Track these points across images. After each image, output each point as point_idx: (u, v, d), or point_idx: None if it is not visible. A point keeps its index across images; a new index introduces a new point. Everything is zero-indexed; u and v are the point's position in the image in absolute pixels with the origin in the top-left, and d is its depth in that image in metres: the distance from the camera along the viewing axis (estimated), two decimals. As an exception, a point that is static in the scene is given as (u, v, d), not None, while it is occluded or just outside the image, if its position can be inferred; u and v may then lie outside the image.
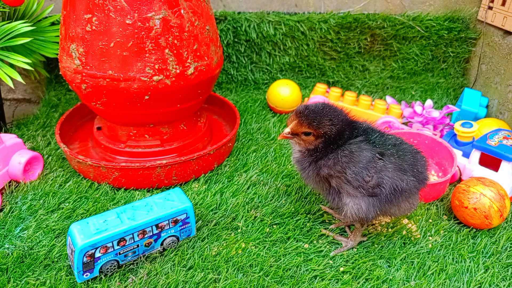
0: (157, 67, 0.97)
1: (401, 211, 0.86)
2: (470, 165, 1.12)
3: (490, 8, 1.45)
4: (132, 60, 0.96)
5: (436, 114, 1.29)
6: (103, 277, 0.83)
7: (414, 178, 0.82)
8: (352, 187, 0.81)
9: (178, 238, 0.91)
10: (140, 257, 0.87)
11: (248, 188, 1.09)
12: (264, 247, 0.92)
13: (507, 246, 0.94)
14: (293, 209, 1.02)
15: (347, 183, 0.81)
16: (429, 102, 1.34)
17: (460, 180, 1.15)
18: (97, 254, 0.80)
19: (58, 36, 1.30)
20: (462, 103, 1.40)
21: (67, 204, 1.01)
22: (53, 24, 1.34)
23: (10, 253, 0.87)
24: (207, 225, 0.97)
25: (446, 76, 1.63)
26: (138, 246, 0.85)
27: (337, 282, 0.84)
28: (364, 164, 0.80)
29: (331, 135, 0.81)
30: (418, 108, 1.32)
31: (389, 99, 1.43)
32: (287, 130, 0.84)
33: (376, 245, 0.93)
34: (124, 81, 0.97)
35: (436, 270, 0.87)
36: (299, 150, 0.88)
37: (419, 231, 0.97)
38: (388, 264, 0.89)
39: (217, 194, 1.06)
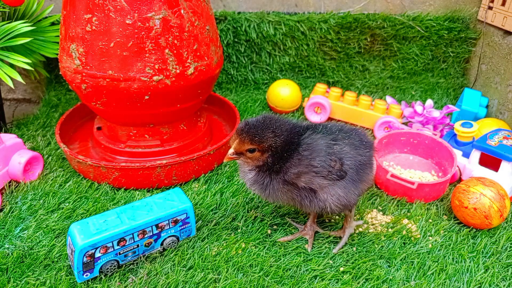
0: (157, 67, 0.97)
1: (369, 183, 0.89)
2: (470, 165, 1.12)
3: (490, 8, 1.45)
4: (132, 60, 0.96)
5: (436, 114, 1.29)
6: (103, 277, 0.83)
7: (367, 149, 0.86)
8: (323, 177, 0.81)
9: (178, 238, 0.91)
10: (140, 257, 0.87)
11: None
12: (264, 247, 0.92)
13: (507, 246, 0.94)
14: (293, 209, 1.02)
15: (317, 175, 0.80)
16: (429, 102, 1.34)
17: (460, 180, 1.15)
18: (97, 254, 0.80)
19: (58, 36, 1.30)
20: (462, 103, 1.40)
21: (67, 204, 1.01)
22: (53, 24, 1.34)
23: (10, 253, 0.87)
24: (207, 225, 0.97)
25: (446, 76, 1.63)
26: (138, 246, 0.85)
27: (337, 282, 0.84)
28: (324, 151, 0.81)
29: (277, 147, 0.79)
30: (418, 108, 1.32)
31: (389, 99, 1.43)
32: (231, 150, 0.81)
33: (376, 245, 0.93)
34: (124, 81, 0.97)
35: (436, 270, 0.87)
36: (249, 170, 0.85)
37: (419, 231, 0.97)
38: (388, 264, 0.89)
39: (217, 194, 1.06)
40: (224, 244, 0.92)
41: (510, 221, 1.01)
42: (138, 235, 0.84)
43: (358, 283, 0.84)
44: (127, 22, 0.94)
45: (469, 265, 0.89)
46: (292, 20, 1.52)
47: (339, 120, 1.43)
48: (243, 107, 1.49)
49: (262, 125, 0.79)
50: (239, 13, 1.54)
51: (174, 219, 0.88)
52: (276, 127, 0.79)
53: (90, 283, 0.82)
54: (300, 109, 1.48)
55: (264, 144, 0.79)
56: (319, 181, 0.81)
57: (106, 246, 0.81)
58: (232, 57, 1.59)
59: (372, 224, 0.99)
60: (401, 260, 0.90)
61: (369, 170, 0.88)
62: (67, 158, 1.14)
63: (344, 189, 0.83)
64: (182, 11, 0.98)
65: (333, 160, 0.81)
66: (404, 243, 0.94)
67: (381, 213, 1.03)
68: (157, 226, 0.86)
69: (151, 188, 1.08)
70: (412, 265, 0.89)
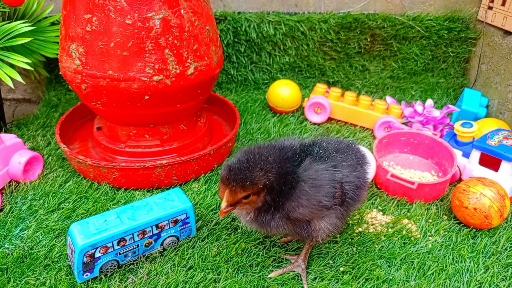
0: (157, 67, 0.97)
1: (362, 200, 0.85)
2: (470, 165, 1.12)
3: (490, 8, 1.45)
4: (132, 60, 0.96)
5: (437, 113, 1.29)
6: (103, 277, 0.83)
7: (363, 167, 0.83)
8: (327, 209, 0.76)
9: (178, 238, 0.91)
10: (140, 257, 0.87)
11: (248, 188, 1.09)
12: (264, 247, 0.92)
13: (507, 246, 0.94)
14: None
15: (322, 209, 0.75)
16: (429, 102, 1.34)
17: (460, 180, 1.15)
18: (97, 254, 0.80)
19: (58, 36, 1.30)
20: (462, 103, 1.40)
21: (67, 204, 1.01)
22: (53, 24, 1.34)
23: (10, 253, 0.87)
24: (207, 225, 0.97)
25: (446, 76, 1.63)
26: (138, 246, 0.85)
27: (337, 282, 0.84)
28: (329, 183, 0.75)
29: (272, 183, 0.71)
30: (419, 107, 1.32)
31: (389, 99, 1.43)
32: (224, 204, 0.72)
33: (376, 245, 0.93)
34: (124, 81, 0.97)
35: (436, 270, 0.87)
36: (247, 212, 0.77)
37: (419, 231, 0.97)
38: (388, 264, 0.89)
39: (217, 194, 1.06)
40: (224, 244, 0.92)
41: (510, 221, 1.01)
42: (138, 235, 0.84)
43: (358, 283, 0.84)
44: (127, 22, 0.94)
45: (469, 265, 0.89)
46: (292, 20, 1.53)
47: (339, 120, 1.43)
48: (243, 107, 1.49)
49: (247, 165, 0.70)
50: (239, 13, 1.54)
51: (174, 219, 0.88)
52: (263, 162, 0.70)
53: (90, 283, 0.82)
54: (300, 109, 1.49)
55: (257, 186, 0.70)
56: (323, 213, 0.77)
57: (106, 246, 0.81)
58: (232, 57, 1.59)
59: (372, 224, 0.99)
60: (401, 260, 0.90)
61: (364, 189, 0.84)
62: (67, 158, 1.14)
63: (340, 216, 0.79)
64: (182, 11, 0.98)
65: (336, 188, 0.76)
66: (404, 243, 0.94)
67: (381, 213, 1.03)
68: (157, 226, 0.86)
69: (151, 188, 1.08)
70: (412, 265, 0.89)
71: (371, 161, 1.08)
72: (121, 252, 0.83)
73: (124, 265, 0.86)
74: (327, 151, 0.80)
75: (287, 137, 0.84)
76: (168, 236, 0.89)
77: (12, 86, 1.11)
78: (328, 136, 0.86)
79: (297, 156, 0.77)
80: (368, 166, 0.86)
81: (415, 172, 1.17)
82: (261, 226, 0.77)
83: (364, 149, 1.10)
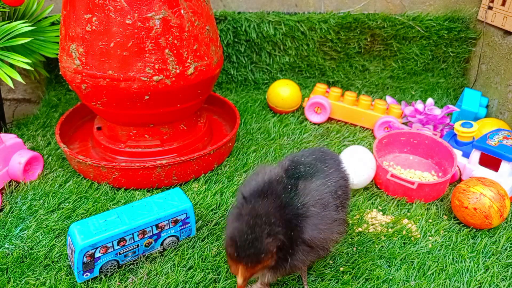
0: (157, 67, 0.97)
1: (348, 209, 0.83)
2: (470, 165, 1.12)
3: (490, 8, 1.45)
4: (132, 60, 0.96)
5: (438, 111, 1.29)
6: (103, 277, 0.83)
7: (341, 166, 0.81)
8: (338, 221, 0.73)
9: (178, 238, 0.91)
10: (140, 257, 0.87)
11: (248, 188, 1.09)
12: (264, 247, 0.92)
13: (507, 246, 0.94)
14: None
15: (335, 223, 0.73)
16: (430, 101, 1.34)
17: (460, 180, 1.15)
18: (97, 254, 0.80)
19: (58, 36, 1.30)
20: (462, 103, 1.40)
21: (67, 204, 1.01)
22: (53, 24, 1.34)
23: (10, 253, 0.87)
24: (207, 225, 0.97)
25: (446, 76, 1.63)
26: (138, 246, 0.85)
27: (337, 282, 0.84)
28: (332, 196, 0.72)
29: (282, 240, 0.66)
30: (419, 105, 1.32)
31: (389, 99, 1.43)
32: (240, 280, 0.66)
33: (376, 245, 0.93)
34: (124, 81, 0.97)
35: (436, 270, 0.87)
36: (262, 274, 0.72)
37: (419, 231, 0.97)
38: (388, 264, 0.89)
39: (217, 194, 1.06)
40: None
41: (510, 221, 1.01)
42: (138, 235, 0.84)
43: (358, 283, 0.84)
44: (127, 22, 0.94)
45: (469, 265, 0.89)
46: (292, 20, 1.53)
47: (339, 120, 1.43)
48: (243, 107, 1.49)
49: (253, 235, 0.63)
50: (239, 13, 1.54)
51: (174, 219, 0.88)
52: (267, 225, 0.64)
53: (90, 283, 0.82)
54: (300, 109, 1.49)
55: (272, 252, 0.65)
56: (336, 227, 0.73)
57: (106, 246, 0.81)
58: (232, 57, 1.59)
59: (372, 224, 0.99)
60: (401, 260, 0.90)
61: (349, 188, 0.81)
62: (67, 158, 1.14)
63: (343, 221, 0.77)
64: (182, 11, 0.98)
65: (337, 198, 0.74)
66: (404, 243, 0.94)
67: (381, 213, 1.03)
68: (157, 226, 0.86)
69: (151, 188, 1.08)
70: (412, 265, 0.89)
71: (372, 161, 1.08)
72: (121, 252, 0.83)
73: (124, 265, 0.86)
74: (312, 166, 0.77)
75: (264, 166, 0.78)
76: (168, 236, 0.89)
77: (12, 86, 1.11)
78: (299, 151, 0.83)
79: (289, 186, 0.71)
80: (343, 163, 0.84)
81: (415, 172, 1.17)
82: (286, 274, 0.74)
83: (364, 149, 1.10)
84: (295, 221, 0.68)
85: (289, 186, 0.72)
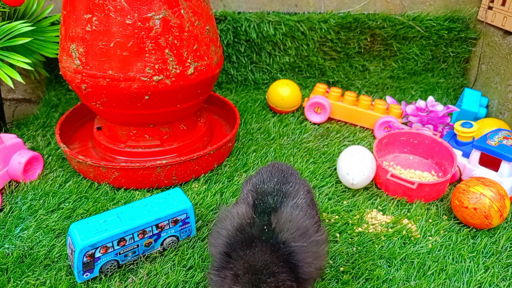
0: (157, 67, 0.97)
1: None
2: (470, 165, 1.12)
3: (490, 8, 1.45)
4: (132, 60, 0.96)
5: (440, 107, 1.28)
6: (103, 277, 0.83)
7: (300, 177, 0.80)
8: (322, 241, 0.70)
9: (178, 238, 0.91)
10: (140, 257, 0.87)
11: (248, 188, 1.09)
12: (264, 247, 0.92)
13: (507, 246, 0.94)
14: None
15: (321, 244, 0.69)
16: (431, 98, 1.34)
17: (460, 180, 1.15)
18: (97, 254, 0.80)
19: (58, 36, 1.30)
20: (462, 103, 1.40)
21: (67, 204, 1.01)
22: (53, 24, 1.34)
23: (10, 253, 0.87)
24: (207, 225, 0.97)
25: (446, 76, 1.63)
26: (138, 246, 0.85)
27: (337, 282, 0.84)
28: (307, 218, 0.69)
29: (291, 284, 0.62)
30: (421, 102, 1.31)
31: (389, 99, 1.43)
32: None
33: (376, 245, 0.93)
34: (124, 81, 0.97)
35: (436, 270, 0.87)
36: None
37: (419, 231, 0.97)
38: (388, 264, 0.89)
39: (217, 194, 1.06)
40: (224, 244, 0.92)
41: (510, 221, 1.01)
42: (138, 235, 0.84)
43: (358, 283, 0.84)
44: (127, 22, 0.94)
45: (469, 265, 0.89)
46: (292, 20, 1.53)
47: (339, 120, 1.43)
48: (243, 107, 1.49)
49: (258, 282, 0.59)
50: (239, 13, 1.54)
51: (174, 219, 0.88)
52: (269, 275, 0.60)
53: (90, 283, 0.82)
54: (300, 109, 1.49)
55: None
56: (322, 246, 0.70)
57: (106, 246, 0.81)
58: (232, 57, 1.59)
59: (372, 224, 0.99)
60: (401, 260, 0.90)
61: (312, 192, 0.80)
62: (67, 158, 1.14)
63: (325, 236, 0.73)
64: (182, 11, 0.98)
65: (313, 217, 0.71)
66: (404, 243, 0.94)
67: (381, 213, 1.03)
68: (157, 226, 0.86)
69: (151, 188, 1.08)
70: (412, 265, 0.89)
71: (372, 161, 1.08)
72: (121, 252, 0.83)
73: (124, 265, 0.86)
74: (278, 192, 0.72)
75: (227, 210, 0.72)
76: (168, 236, 0.89)
77: (12, 86, 1.11)
78: (256, 173, 0.80)
79: (264, 227, 0.65)
80: (297, 172, 0.81)
81: (415, 172, 1.17)
82: None
83: (364, 149, 1.10)
84: (291, 260, 0.64)
85: (265, 227, 0.65)
